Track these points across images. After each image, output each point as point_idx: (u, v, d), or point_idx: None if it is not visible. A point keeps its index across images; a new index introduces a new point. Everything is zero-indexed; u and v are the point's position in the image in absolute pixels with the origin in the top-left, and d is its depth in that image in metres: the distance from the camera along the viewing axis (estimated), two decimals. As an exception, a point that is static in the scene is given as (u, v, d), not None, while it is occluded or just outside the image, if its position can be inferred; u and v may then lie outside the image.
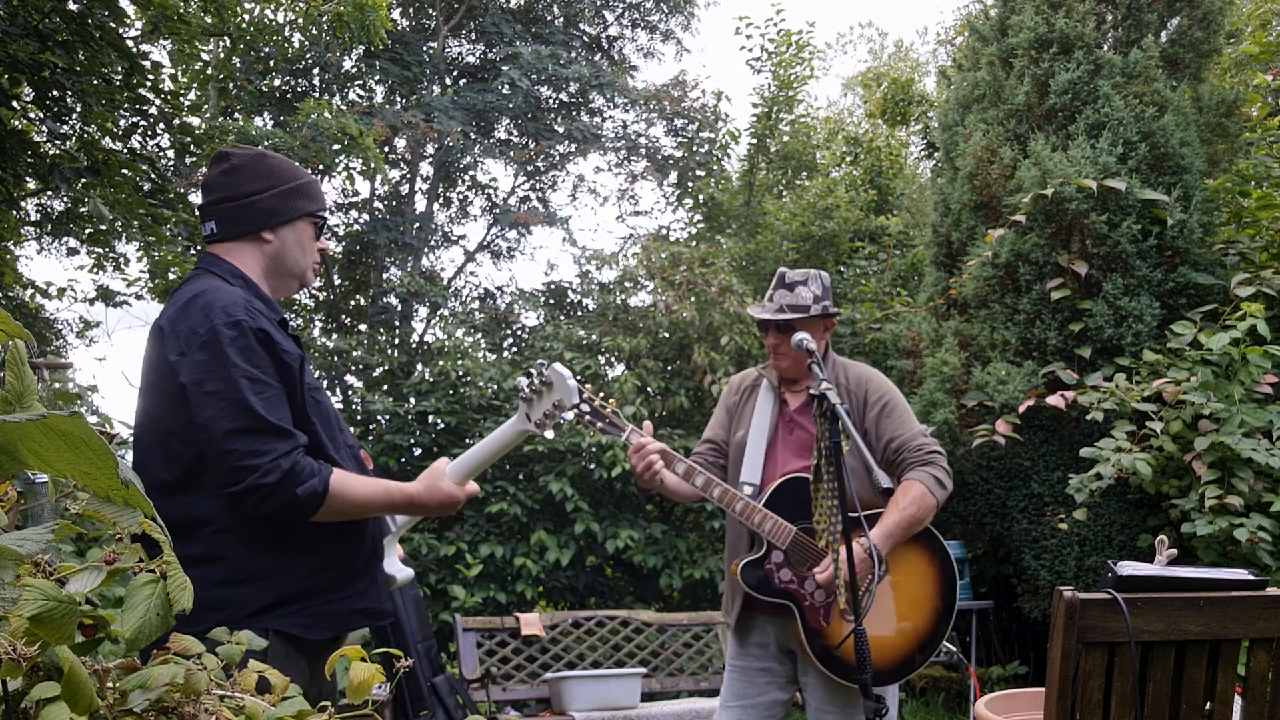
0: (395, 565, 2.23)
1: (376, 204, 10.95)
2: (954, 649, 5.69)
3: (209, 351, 1.90)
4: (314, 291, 10.27)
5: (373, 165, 8.42)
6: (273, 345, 1.97)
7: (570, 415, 2.51)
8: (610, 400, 2.88)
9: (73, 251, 9.01)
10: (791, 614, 2.85)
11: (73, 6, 5.74)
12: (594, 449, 7.12)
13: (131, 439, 2.08)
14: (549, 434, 2.44)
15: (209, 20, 6.93)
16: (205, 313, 1.93)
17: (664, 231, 11.40)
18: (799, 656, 2.93)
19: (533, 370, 2.37)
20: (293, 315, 10.03)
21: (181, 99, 7.68)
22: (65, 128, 6.14)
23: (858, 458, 2.71)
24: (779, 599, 2.86)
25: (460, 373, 7.72)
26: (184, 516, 1.91)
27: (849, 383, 3.01)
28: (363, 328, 10.03)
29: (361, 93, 10.70)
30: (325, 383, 8.78)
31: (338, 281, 10.51)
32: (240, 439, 1.88)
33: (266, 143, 8.00)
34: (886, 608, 2.87)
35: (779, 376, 3.08)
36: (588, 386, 2.95)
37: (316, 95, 10.20)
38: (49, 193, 7.33)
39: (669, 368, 7.94)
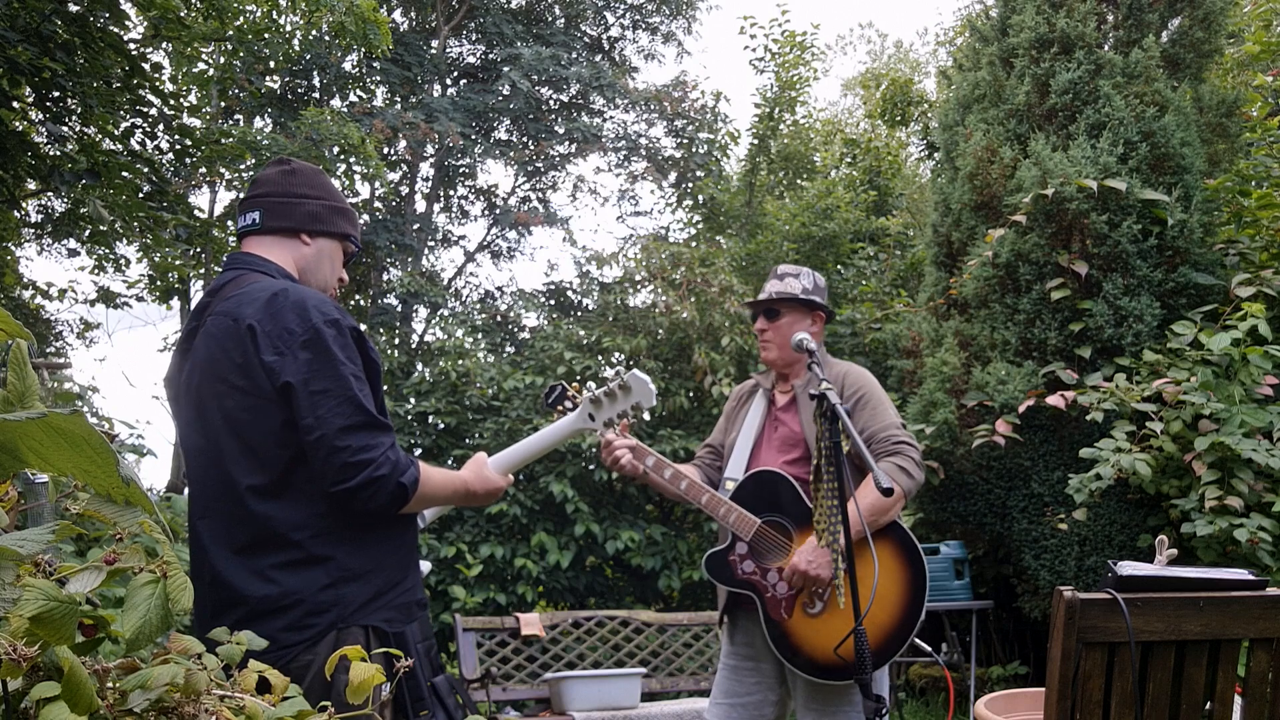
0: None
1: (376, 205, 10.95)
2: (955, 649, 5.69)
3: (312, 350, 1.92)
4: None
5: (372, 171, 8.43)
6: (364, 345, 2.01)
7: (643, 414, 2.63)
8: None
9: (73, 253, 9.02)
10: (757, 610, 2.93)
11: (73, 8, 5.74)
12: (594, 450, 7.12)
13: (188, 438, 2.05)
14: (610, 434, 2.59)
15: (210, 25, 6.94)
16: (299, 311, 1.94)
17: (664, 232, 11.40)
18: None
19: (609, 374, 2.50)
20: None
21: (182, 101, 7.68)
22: (65, 129, 6.13)
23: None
24: (741, 589, 2.93)
25: (460, 373, 7.73)
26: (279, 522, 1.92)
27: (829, 380, 3.05)
28: (363, 328, 10.03)
29: (362, 94, 10.69)
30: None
31: (338, 282, 10.53)
32: (353, 435, 1.89)
33: (265, 143, 8.00)
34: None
35: (771, 379, 3.19)
36: (576, 384, 3.04)
37: (317, 97, 10.21)
38: (49, 194, 7.33)
39: (669, 368, 7.94)
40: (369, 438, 1.91)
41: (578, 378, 7.48)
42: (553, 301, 10.19)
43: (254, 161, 8.24)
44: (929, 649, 3.06)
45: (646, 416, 2.77)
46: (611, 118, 11.82)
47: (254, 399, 1.93)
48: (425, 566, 2.39)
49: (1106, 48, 5.69)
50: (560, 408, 2.93)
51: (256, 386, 1.93)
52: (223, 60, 9.15)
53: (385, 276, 10.60)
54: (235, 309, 1.97)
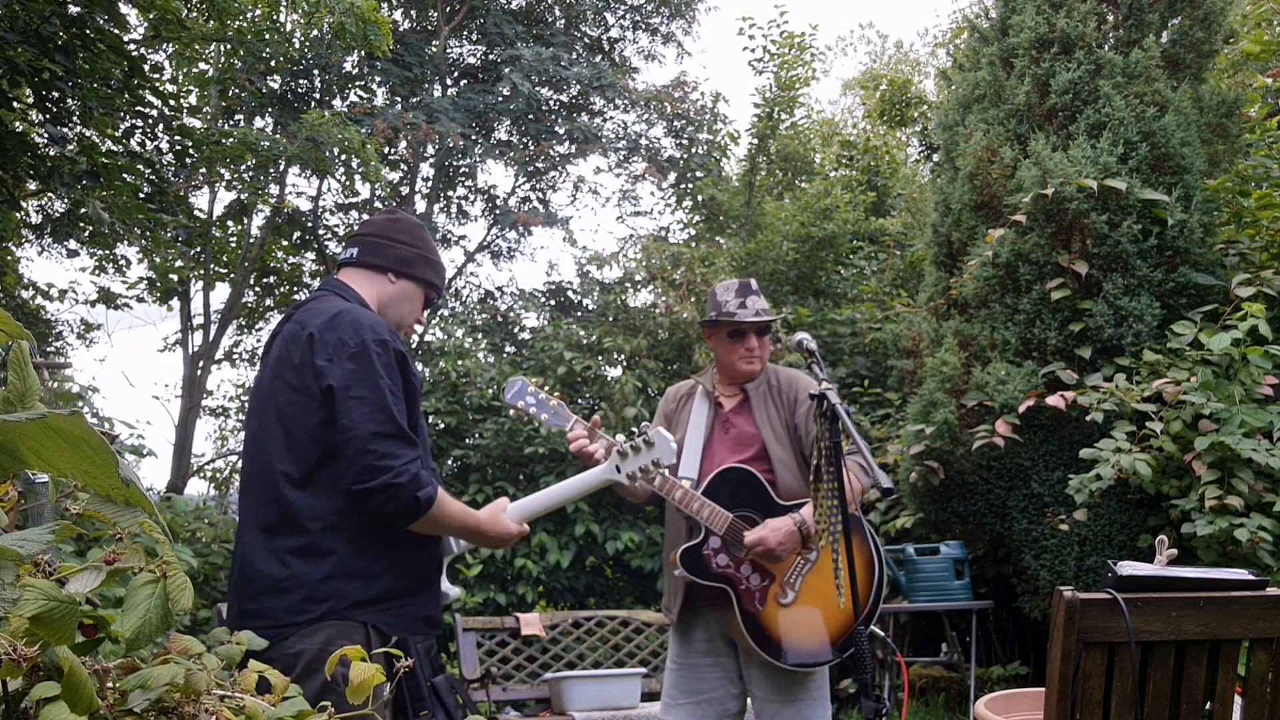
0: (446, 584, 2.46)
1: (376, 205, 10.94)
2: (955, 649, 5.69)
3: (358, 362, 2.15)
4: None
5: (370, 177, 8.42)
6: (406, 368, 2.23)
7: (658, 472, 2.72)
8: (555, 394, 3.05)
9: (73, 254, 9.02)
10: (730, 603, 2.95)
11: (73, 9, 5.74)
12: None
13: (249, 425, 2.30)
14: (638, 485, 2.71)
15: (210, 25, 6.94)
16: (354, 328, 2.19)
17: (664, 232, 11.41)
18: (740, 649, 3.03)
19: (634, 429, 2.59)
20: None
21: (182, 101, 7.68)
22: (65, 130, 6.13)
23: (792, 451, 3.05)
24: (716, 583, 2.97)
25: (460, 373, 7.73)
26: (298, 507, 2.13)
27: (780, 384, 3.17)
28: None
29: (363, 94, 10.70)
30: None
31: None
32: (381, 441, 2.09)
33: (265, 144, 8.00)
34: (814, 588, 2.96)
35: (711, 380, 3.25)
36: (535, 379, 3.06)
37: (318, 97, 10.21)
38: (49, 195, 7.33)
39: (669, 368, 7.93)
40: (396, 447, 2.10)
41: (578, 378, 7.49)
42: (553, 302, 10.19)
43: (254, 162, 8.25)
44: (882, 633, 3.12)
45: (666, 474, 2.85)
46: (611, 118, 11.82)
47: (302, 396, 2.17)
48: (453, 592, 2.47)
49: (1106, 48, 5.69)
50: (520, 404, 3.00)
51: (305, 385, 2.17)
52: (223, 60, 9.15)
53: (385, 277, 10.59)
54: (306, 319, 2.25)
